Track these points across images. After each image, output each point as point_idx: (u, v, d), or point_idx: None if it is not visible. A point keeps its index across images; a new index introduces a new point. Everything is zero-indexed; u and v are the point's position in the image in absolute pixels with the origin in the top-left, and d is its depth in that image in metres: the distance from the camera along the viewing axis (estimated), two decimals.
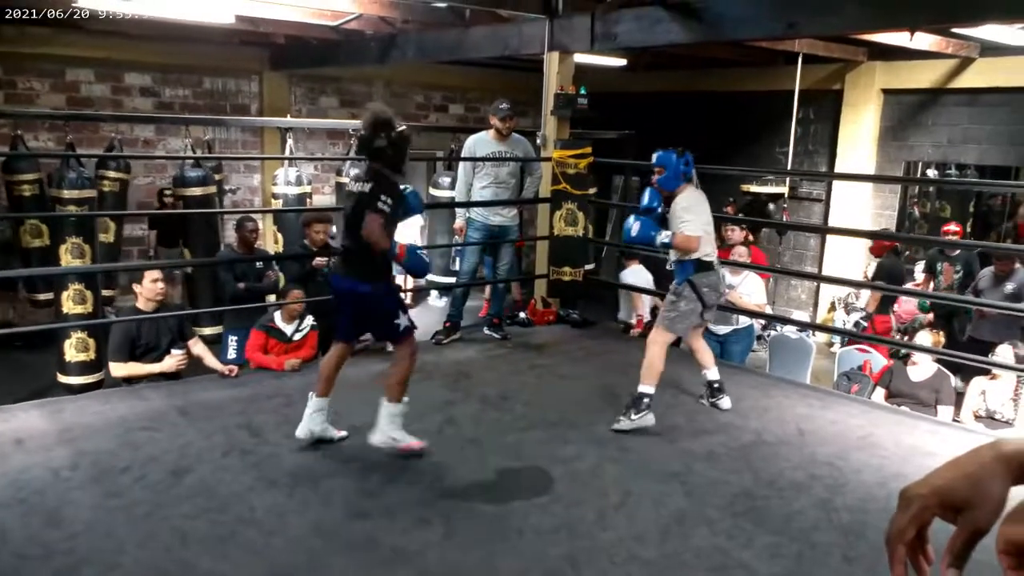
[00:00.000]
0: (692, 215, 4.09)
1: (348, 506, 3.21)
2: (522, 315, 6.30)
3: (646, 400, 4.02)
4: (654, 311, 6.72)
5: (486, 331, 5.85)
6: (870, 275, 7.95)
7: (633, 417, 3.99)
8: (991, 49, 7.20)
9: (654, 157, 4.26)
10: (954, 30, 6.59)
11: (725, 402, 4.40)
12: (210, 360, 4.80)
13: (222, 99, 8.43)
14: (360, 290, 3.57)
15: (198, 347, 4.79)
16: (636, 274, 6.83)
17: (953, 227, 7.39)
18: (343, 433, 3.82)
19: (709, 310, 4.26)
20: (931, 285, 7.09)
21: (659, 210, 4.28)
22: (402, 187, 3.64)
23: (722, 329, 6.04)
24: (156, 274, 4.62)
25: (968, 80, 7.60)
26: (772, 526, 3.15)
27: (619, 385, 4.72)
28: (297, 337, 5.00)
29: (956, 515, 0.75)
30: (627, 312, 6.87)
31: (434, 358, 5.26)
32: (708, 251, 4.15)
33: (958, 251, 6.97)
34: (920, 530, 0.78)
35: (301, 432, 3.70)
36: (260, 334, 4.93)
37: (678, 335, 4.24)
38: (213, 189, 6.34)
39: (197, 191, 6.18)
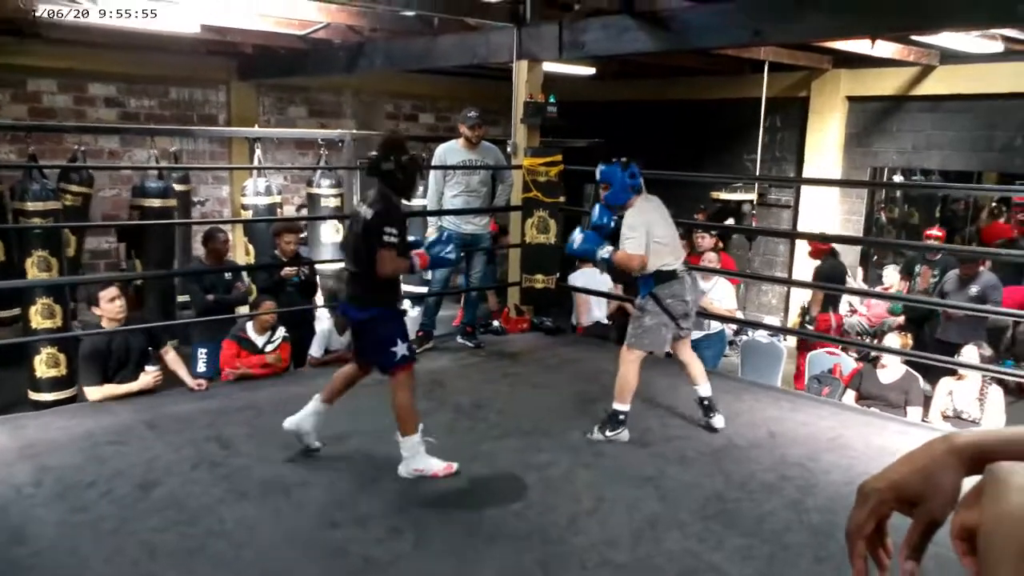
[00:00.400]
0: (635, 232, 3.94)
1: (319, 516, 3.18)
2: (495, 323, 6.30)
3: (620, 417, 3.97)
4: (620, 314, 6.75)
5: (459, 340, 5.84)
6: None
7: (608, 434, 3.96)
8: (951, 57, 7.36)
9: (598, 172, 4.14)
10: (914, 38, 6.72)
11: (718, 420, 4.17)
12: (182, 372, 4.72)
13: (189, 109, 8.35)
14: (353, 316, 3.57)
15: (170, 355, 4.69)
16: (586, 276, 6.82)
17: (935, 231, 7.53)
18: (318, 444, 3.77)
19: (684, 319, 4.10)
20: (906, 287, 7.22)
21: (611, 226, 4.20)
22: (432, 238, 3.83)
23: (693, 335, 6.07)
24: (112, 292, 4.41)
25: (930, 87, 7.75)
26: (743, 528, 3.17)
27: (592, 392, 4.73)
28: (269, 348, 4.95)
29: (912, 508, 0.76)
30: (576, 314, 6.87)
31: None
32: (667, 261, 3.99)
33: (939, 255, 7.09)
34: (879, 524, 0.79)
35: (288, 423, 3.68)
36: (232, 344, 4.89)
37: (647, 351, 4.03)
38: (173, 202, 6.25)
39: (156, 202, 6.11)
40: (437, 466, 3.50)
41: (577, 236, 4.20)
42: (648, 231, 3.95)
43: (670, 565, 2.90)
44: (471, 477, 3.57)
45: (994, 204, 10.61)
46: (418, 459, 3.48)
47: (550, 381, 5.09)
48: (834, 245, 7.17)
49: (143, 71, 8.02)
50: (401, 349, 3.47)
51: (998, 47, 6.25)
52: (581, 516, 3.23)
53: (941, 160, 8.10)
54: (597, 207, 4.26)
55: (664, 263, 3.98)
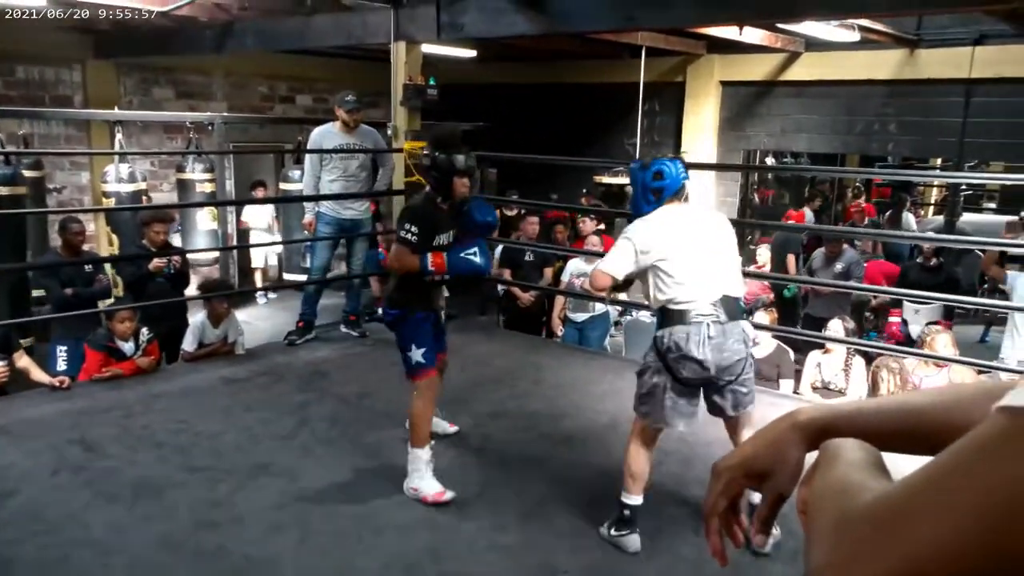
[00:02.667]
0: (620, 248, 2.95)
1: (195, 517, 3.02)
2: (380, 311, 6.16)
3: (625, 513, 2.93)
4: (508, 299, 6.77)
5: (343, 329, 5.69)
6: None
7: (613, 533, 2.95)
8: (814, 45, 7.71)
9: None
10: (780, 26, 7.00)
11: (775, 533, 2.71)
12: (37, 373, 4.40)
13: (39, 90, 7.71)
14: (383, 314, 3.48)
15: (23, 360, 4.38)
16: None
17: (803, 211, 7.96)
18: (455, 428, 3.84)
19: (717, 393, 2.90)
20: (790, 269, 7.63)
21: None
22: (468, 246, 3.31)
23: (580, 316, 6.17)
24: None
25: (796, 73, 8.11)
26: None
27: (481, 377, 4.72)
28: (139, 354, 4.65)
29: (761, 483, 0.79)
30: None
31: (287, 359, 5.06)
32: (681, 295, 2.83)
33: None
34: (732, 501, 0.83)
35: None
36: (98, 355, 4.54)
37: (656, 425, 2.94)
38: (23, 190, 5.77)
39: (3, 190, 5.63)
40: (428, 490, 3.18)
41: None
42: (646, 249, 2.88)
43: (559, 543, 2.92)
44: (356, 469, 3.49)
45: (857, 185, 11.29)
46: (415, 477, 3.21)
47: None
48: None
49: None
50: (416, 355, 3.26)
51: (855, 36, 6.60)
52: (469, 502, 3.21)
53: (808, 143, 8.51)
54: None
55: (674, 297, 2.85)
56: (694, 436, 3.88)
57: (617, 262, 2.93)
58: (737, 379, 2.87)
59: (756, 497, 0.83)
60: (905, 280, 6.55)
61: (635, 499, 2.95)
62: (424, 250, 3.21)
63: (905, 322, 6.59)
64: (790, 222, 8.52)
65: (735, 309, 2.88)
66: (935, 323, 6.05)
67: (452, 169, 3.28)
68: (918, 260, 6.77)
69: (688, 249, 2.88)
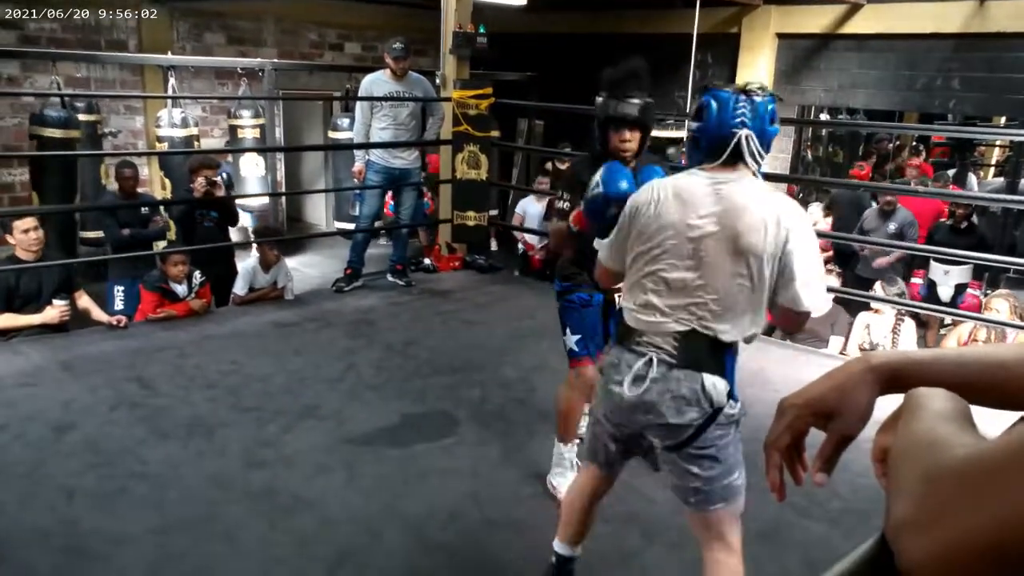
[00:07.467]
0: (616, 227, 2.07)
1: (246, 456, 3.11)
2: (427, 261, 6.22)
3: (552, 560, 2.26)
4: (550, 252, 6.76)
5: (389, 278, 5.75)
6: None
7: None
8: None
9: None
10: None
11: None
12: (97, 313, 4.54)
13: (95, 34, 7.79)
14: (555, 287, 2.88)
15: (84, 299, 4.52)
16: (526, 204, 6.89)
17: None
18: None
19: (646, 444, 2.00)
20: (830, 224, 7.44)
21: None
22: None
23: None
24: (28, 223, 4.23)
25: (856, 26, 7.82)
26: None
27: (525, 329, 4.74)
28: (192, 296, 4.77)
29: (827, 423, 0.78)
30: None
31: (335, 306, 5.15)
32: (636, 300, 1.94)
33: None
34: (796, 439, 0.82)
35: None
36: (153, 295, 4.67)
37: (602, 471, 2.17)
38: (76, 133, 5.85)
39: (57, 132, 5.71)
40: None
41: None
42: (637, 229, 1.96)
43: None
44: (402, 414, 3.55)
45: (914, 143, 10.95)
46: (557, 474, 2.90)
47: (482, 318, 5.07)
48: None
49: None
50: (569, 341, 2.75)
51: None
52: (513, 450, 3.25)
53: (866, 99, 8.23)
54: None
55: (634, 299, 1.96)
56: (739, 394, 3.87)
57: (607, 244, 2.09)
58: (680, 449, 1.90)
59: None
60: (931, 241, 6.35)
61: (561, 547, 2.22)
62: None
63: (933, 284, 6.42)
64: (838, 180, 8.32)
65: (704, 357, 1.90)
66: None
67: (604, 117, 2.64)
68: (947, 222, 6.50)
69: (682, 244, 1.88)
